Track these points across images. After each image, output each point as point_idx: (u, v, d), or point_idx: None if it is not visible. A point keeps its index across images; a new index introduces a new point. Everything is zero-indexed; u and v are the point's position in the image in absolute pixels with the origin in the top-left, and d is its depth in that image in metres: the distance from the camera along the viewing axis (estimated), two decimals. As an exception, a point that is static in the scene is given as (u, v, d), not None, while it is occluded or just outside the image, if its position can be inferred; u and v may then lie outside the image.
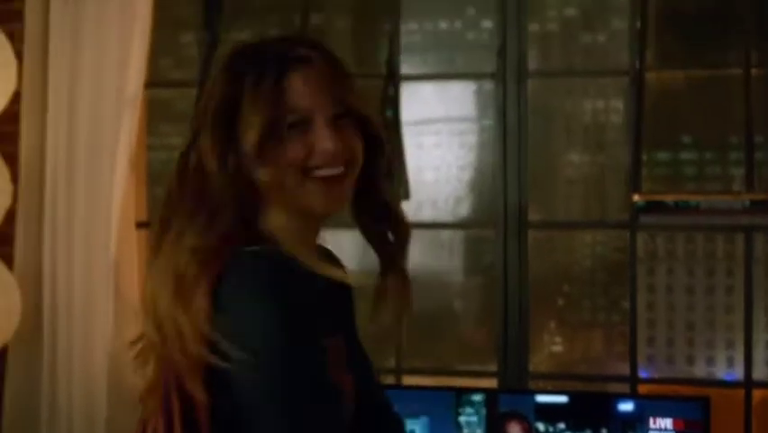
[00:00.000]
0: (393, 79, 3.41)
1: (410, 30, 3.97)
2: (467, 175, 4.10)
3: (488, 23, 4.38)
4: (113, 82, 3.22)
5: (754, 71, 3.15)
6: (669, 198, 3.31)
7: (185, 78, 3.84)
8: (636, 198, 3.01)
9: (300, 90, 1.40)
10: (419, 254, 4.04)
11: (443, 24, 4.40)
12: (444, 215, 4.06)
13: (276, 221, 1.44)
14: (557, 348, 4.20)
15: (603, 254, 4.28)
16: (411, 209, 3.61)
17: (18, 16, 3.30)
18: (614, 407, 2.65)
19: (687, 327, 4.28)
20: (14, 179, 3.27)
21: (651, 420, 2.60)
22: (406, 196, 3.47)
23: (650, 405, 2.64)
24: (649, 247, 4.24)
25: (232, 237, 1.37)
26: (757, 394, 3.14)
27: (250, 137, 1.38)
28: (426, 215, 3.98)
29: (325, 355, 1.34)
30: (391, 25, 3.49)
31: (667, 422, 2.58)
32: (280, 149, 1.40)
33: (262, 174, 1.40)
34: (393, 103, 3.41)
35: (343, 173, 1.42)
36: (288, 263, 1.35)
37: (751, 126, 3.13)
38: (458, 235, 4.15)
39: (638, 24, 3.27)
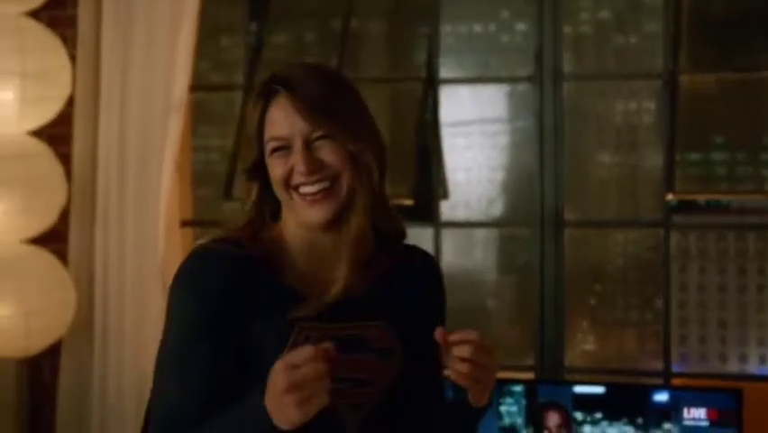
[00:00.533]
0: (432, 83, 3.51)
1: (445, 33, 4.07)
2: (502, 175, 4.20)
3: (521, 26, 4.48)
4: (161, 86, 3.35)
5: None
6: (701, 197, 3.41)
7: (223, 82, 3.98)
8: (670, 197, 3.11)
9: (277, 120, 1.62)
10: (454, 253, 4.15)
11: (478, 28, 4.51)
12: (477, 214, 4.16)
13: (287, 223, 1.66)
14: (590, 346, 4.30)
15: (636, 253, 4.37)
16: (447, 208, 3.73)
17: (72, 21, 3.45)
18: (649, 397, 2.75)
19: (719, 325, 4.36)
20: (68, 178, 3.41)
21: (685, 411, 2.70)
22: (445, 195, 3.59)
23: (684, 396, 2.74)
24: (681, 246, 4.33)
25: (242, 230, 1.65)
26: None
27: (244, 163, 1.67)
28: (460, 214, 4.09)
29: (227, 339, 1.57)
30: (430, 29, 3.60)
31: (701, 412, 2.69)
32: (272, 169, 1.63)
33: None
34: (432, 105, 3.52)
35: (327, 188, 1.61)
36: (213, 256, 1.61)
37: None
38: (492, 234, 4.25)
39: (671, 28, 3.35)
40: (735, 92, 3.80)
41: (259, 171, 1.65)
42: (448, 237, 3.80)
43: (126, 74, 3.37)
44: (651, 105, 4.27)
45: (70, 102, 3.41)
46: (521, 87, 3.96)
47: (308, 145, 1.60)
